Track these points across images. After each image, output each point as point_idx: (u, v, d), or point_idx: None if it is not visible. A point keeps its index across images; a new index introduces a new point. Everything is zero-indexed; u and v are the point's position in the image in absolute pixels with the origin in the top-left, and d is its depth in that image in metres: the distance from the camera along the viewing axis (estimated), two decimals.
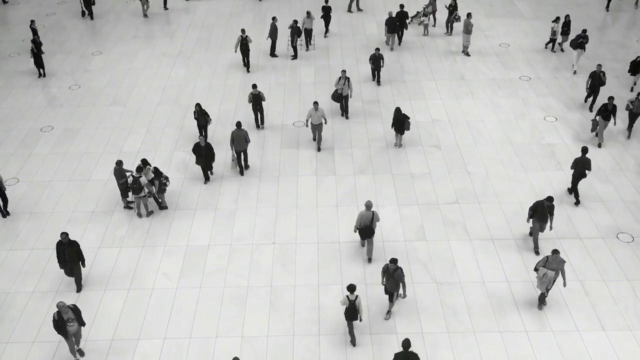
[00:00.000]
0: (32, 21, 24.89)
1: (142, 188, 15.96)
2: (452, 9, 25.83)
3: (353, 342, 13.03)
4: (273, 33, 24.07)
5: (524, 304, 13.92)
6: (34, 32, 24.77)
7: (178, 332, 13.42)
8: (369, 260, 15.05)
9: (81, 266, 14.05)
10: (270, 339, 13.22)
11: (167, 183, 16.59)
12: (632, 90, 21.78)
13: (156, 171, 16.48)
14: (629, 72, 21.73)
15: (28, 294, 14.39)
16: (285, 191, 17.47)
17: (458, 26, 26.95)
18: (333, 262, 15.11)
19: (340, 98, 20.21)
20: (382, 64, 22.08)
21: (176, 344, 13.16)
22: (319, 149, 18.86)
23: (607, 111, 18.52)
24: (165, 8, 29.25)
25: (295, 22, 23.89)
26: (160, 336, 13.33)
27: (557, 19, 24.06)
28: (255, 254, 15.39)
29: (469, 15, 23.73)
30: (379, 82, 22.43)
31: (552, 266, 13.13)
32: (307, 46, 25.03)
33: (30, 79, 23.50)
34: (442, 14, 28.14)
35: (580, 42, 22.52)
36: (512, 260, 15.08)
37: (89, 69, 24.09)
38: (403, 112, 20.67)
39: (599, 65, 19.96)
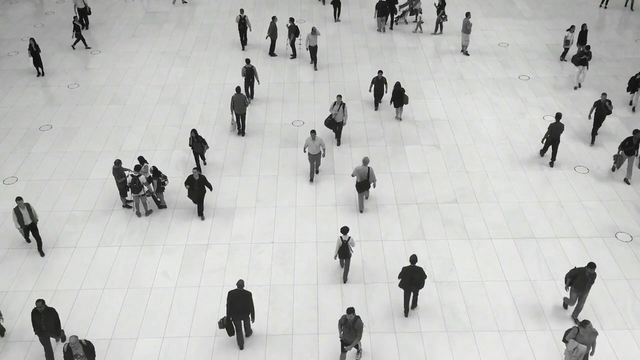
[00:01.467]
0: (75, 17, 25.07)
1: (141, 187, 15.96)
2: (439, 7, 25.87)
3: (344, 279, 14.43)
4: (273, 32, 24.08)
5: (522, 303, 13.93)
6: (77, 28, 24.89)
7: (177, 331, 13.42)
8: (361, 211, 16.53)
9: (59, 336, 12.67)
10: (269, 337, 13.22)
11: (166, 182, 16.58)
12: (633, 110, 20.58)
13: (155, 170, 16.47)
14: (627, 90, 20.47)
15: (27, 293, 14.39)
16: (284, 190, 17.48)
17: (447, 25, 26.93)
18: (332, 261, 15.12)
19: (334, 124, 18.84)
20: (385, 89, 20.74)
21: (175, 343, 13.16)
22: (311, 180, 17.67)
23: (632, 145, 16.93)
24: (184, 1, 30.01)
25: (292, 20, 23.90)
26: (160, 335, 13.33)
27: (571, 28, 23.05)
28: (254, 253, 15.39)
29: (467, 14, 23.73)
30: (376, 107, 21.05)
31: (583, 339, 11.63)
32: (315, 65, 23.64)
33: (29, 78, 23.47)
34: (425, 13, 28.07)
35: (583, 59, 21.28)
36: (510, 260, 15.10)
37: (88, 68, 24.07)
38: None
39: (604, 95, 18.28)
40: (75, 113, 21.23)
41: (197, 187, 15.94)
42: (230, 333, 12.73)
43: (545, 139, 18.04)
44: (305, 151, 17.34)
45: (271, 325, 13.49)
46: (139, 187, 15.91)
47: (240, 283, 12.46)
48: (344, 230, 13.92)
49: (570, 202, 16.86)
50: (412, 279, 13.01)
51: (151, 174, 16.40)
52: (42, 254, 15.41)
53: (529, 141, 19.35)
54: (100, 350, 13.00)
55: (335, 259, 14.23)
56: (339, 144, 19.14)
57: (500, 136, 19.64)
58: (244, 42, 25.08)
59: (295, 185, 17.64)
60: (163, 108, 21.43)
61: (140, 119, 20.83)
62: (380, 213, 16.56)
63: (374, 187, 16.33)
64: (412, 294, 13.66)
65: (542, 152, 18.45)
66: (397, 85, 19.82)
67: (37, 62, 23.17)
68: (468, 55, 24.62)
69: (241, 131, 19.83)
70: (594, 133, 18.92)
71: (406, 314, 13.61)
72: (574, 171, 18.03)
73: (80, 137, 19.91)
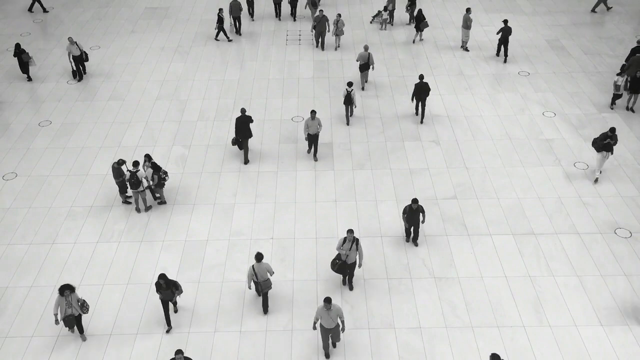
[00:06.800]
0: (221, 9, 24.68)
1: (139, 182, 15.93)
2: (410, 3, 26.21)
3: (347, 122, 19.67)
4: None
5: (521, 299, 13.96)
6: (220, 20, 24.91)
7: (177, 327, 13.44)
8: (362, 88, 21.67)
9: None
10: (269, 333, 13.25)
11: (166, 177, 16.56)
12: None
13: (155, 165, 16.45)
14: None
15: (27, 289, 14.40)
16: (283, 186, 17.48)
17: (447, 21, 26.91)
18: (331, 257, 15.13)
19: (345, 267, 13.69)
20: (422, 219, 15.21)
21: (175, 339, 13.18)
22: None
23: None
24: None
25: None
26: (159, 331, 13.35)
27: (622, 72, 20.22)
28: (253, 249, 15.40)
29: (468, 10, 23.69)
30: (415, 243, 15.43)
31: None
32: (315, 156, 18.48)
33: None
34: (401, 12, 27.83)
35: (607, 143, 16.99)
36: (510, 256, 15.12)
37: (87, 63, 24.01)
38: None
39: None
40: (74, 109, 21.21)
41: None
42: (240, 147, 18.41)
43: (499, 40, 23.23)
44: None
45: (271, 321, 13.51)
46: (137, 182, 15.90)
47: (243, 110, 17.39)
48: (349, 84, 18.84)
49: (570, 198, 16.87)
50: (422, 90, 18.91)
51: (151, 169, 16.37)
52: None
53: (529, 137, 19.34)
54: (100, 345, 13.02)
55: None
56: (351, 288, 14.19)
57: (500, 132, 19.63)
58: (251, 12, 27.38)
59: (294, 181, 17.64)
60: (162, 104, 21.41)
61: (140, 114, 20.81)
62: (379, 210, 16.57)
63: (373, 69, 21.51)
64: (421, 103, 19.32)
65: (498, 53, 23.82)
66: (420, 12, 24.26)
67: (24, 68, 22.42)
68: (468, 51, 24.60)
69: (238, 31, 25.51)
70: None
71: (417, 113, 20.09)
72: (574, 167, 18.04)
73: (79, 133, 19.90)
